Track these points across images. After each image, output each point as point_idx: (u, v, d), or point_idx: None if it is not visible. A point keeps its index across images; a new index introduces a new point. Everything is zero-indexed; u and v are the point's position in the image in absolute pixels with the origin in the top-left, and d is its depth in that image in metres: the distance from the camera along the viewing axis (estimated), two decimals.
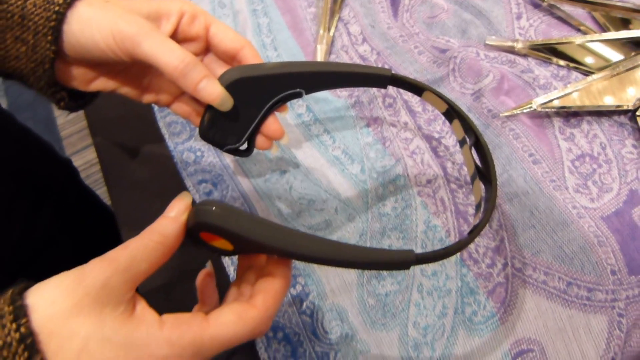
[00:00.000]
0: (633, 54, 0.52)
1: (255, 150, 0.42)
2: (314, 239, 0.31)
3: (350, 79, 0.41)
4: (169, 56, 0.34)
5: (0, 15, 0.35)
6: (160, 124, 0.57)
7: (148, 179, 0.55)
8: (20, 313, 0.25)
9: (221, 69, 0.40)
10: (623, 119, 0.51)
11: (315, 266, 0.46)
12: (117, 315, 0.27)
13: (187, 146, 0.55)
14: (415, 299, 0.44)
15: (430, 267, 0.45)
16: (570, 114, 0.51)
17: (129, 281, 0.28)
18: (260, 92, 0.39)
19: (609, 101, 0.50)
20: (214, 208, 0.30)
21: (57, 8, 0.35)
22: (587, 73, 0.53)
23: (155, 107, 0.58)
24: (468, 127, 0.42)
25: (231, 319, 0.29)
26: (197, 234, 0.31)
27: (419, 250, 0.46)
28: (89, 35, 0.35)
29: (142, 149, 0.57)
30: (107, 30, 0.34)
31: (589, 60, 0.53)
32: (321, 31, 0.58)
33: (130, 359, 0.26)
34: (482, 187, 0.41)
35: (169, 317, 0.28)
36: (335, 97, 0.55)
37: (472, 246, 0.46)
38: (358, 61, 0.57)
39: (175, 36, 0.38)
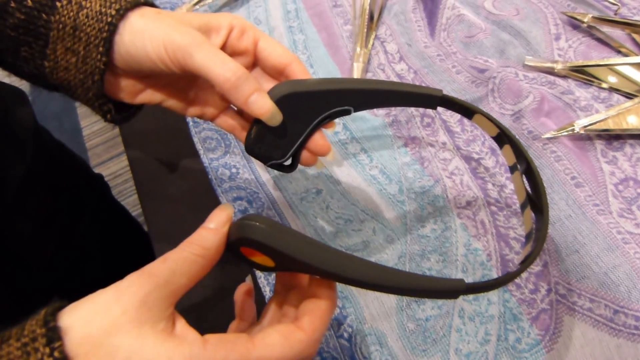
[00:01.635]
0: None
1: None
2: (361, 262, 0.30)
3: (400, 98, 0.40)
4: (221, 68, 0.34)
5: (53, 26, 0.35)
6: (195, 139, 0.57)
7: (182, 194, 0.55)
8: (54, 336, 0.24)
9: (268, 83, 0.40)
10: None
11: (353, 288, 0.45)
12: (157, 333, 0.26)
13: (222, 162, 0.55)
14: (456, 324, 0.43)
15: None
16: (613, 137, 0.50)
17: (168, 297, 0.27)
18: (308, 108, 0.38)
19: None
20: (259, 224, 0.29)
21: (110, 19, 0.34)
22: (628, 95, 0.52)
23: (190, 122, 0.59)
24: (520, 153, 0.40)
25: (278, 341, 0.28)
26: (237, 248, 0.30)
27: (459, 274, 0.45)
28: (140, 45, 0.35)
29: (176, 164, 0.57)
30: (159, 41, 0.34)
31: (630, 82, 0.52)
32: (358, 49, 0.58)
33: None
34: (533, 215, 0.39)
35: (212, 337, 0.27)
36: (372, 115, 0.55)
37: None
38: (395, 79, 0.57)
39: (224, 50, 0.37)
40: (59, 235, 0.63)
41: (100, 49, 0.35)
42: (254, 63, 0.40)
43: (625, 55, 0.55)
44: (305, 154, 0.41)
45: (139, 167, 0.58)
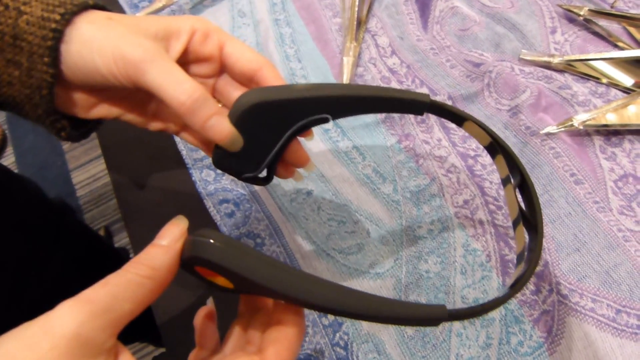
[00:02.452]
0: None
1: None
2: (329, 286, 0.27)
3: (383, 104, 0.36)
4: (175, 90, 0.30)
5: None
6: (177, 139, 0.55)
7: (164, 197, 0.52)
8: None
9: (237, 91, 0.36)
10: None
11: None
12: None
13: (206, 163, 0.52)
14: (456, 328, 0.41)
15: (471, 295, 0.42)
16: (611, 133, 0.49)
17: (108, 327, 0.23)
18: (281, 117, 0.34)
19: None
20: (212, 241, 0.25)
21: (54, 25, 0.30)
22: (626, 90, 0.51)
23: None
24: (513, 164, 0.37)
25: None
26: (192, 268, 0.27)
27: (458, 276, 0.43)
28: (89, 58, 0.31)
29: (158, 166, 0.55)
30: (109, 54, 0.30)
31: (626, 82, 0.51)
32: (348, 43, 0.56)
33: None
34: (526, 234, 0.36)
35: None
36: None
37: (514, 271, 0.43)
38: (387, 74, 0.55)
39: (186, 56, 0.34)
40: (14, 269, 0.59)
41: (46, 59, 0.31)
42: (221, 69, 0.36)
43: (622, 49, 0.53)
44: (281, 166, 0.38)
45: (118, 170, 0.55)
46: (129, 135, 0.56)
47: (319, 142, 0.52)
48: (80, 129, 0.36)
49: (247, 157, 0.35)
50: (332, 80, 0.56)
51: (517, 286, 0.31)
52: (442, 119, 0.51)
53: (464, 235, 0.45)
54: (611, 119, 0.48)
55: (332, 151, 0.51)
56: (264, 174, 0.37)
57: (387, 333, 0.41)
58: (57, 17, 0.30)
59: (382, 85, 0.54)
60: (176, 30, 0.33)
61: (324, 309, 0.27)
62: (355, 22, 0.57)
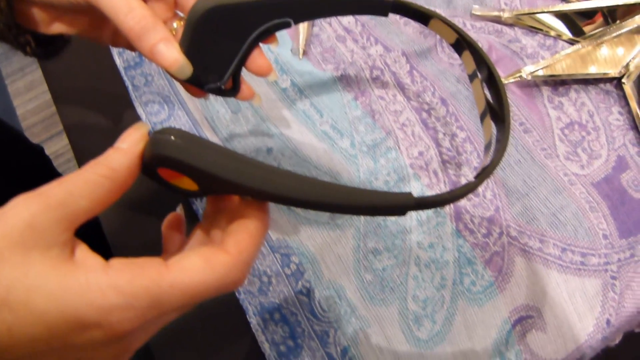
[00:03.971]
0: (618, 21, 0.52)
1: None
2: (297, 177, 0.25)
3: (347, 5, 0.35)
4: (125, 14, 0.30)
5: None
6: (136, 103, 0.54)
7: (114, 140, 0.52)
8: None
9: None
10: (609, 86, 0.51)
11: (309, 244, 0.45)
12: (47, 259, 0.22)
13: (166, 126, 0.53)
14: (413, 272, 0.43)
15: (426, 240, 0.44)
16: (558, 83, 0.51)
17: (63, 220, 0.23)
18: (241, 23, 0.33)
19: (595, 69, 0.50)
20: (173, 138, 0.24)
21: None
22: (573, 42, 0.53)
23: (130, 87, 0.56)
24: (480, 59, 0.36)
25: (197, 264, 0.24)
26: (154, 171, 0.26)
27: (414, 222, 0.45)
28: None
29: (118, 132, 0.54)
30: None
31: (568, 33, 0.53)
32: None
33: (65, 312, 0.21)
34: (493, 125, 0.36)
35: (117, 261, 0.23)
36: (320, 70, 0.53)
37: (467, 217, 0.45)
38: (342, 34, 0.56)
39: None
40: None
41: None
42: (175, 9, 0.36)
43: (568, 1, 0.55)
44: (243, 86, 0.37)
45: (78, 140, 0.55)
46: (88, 107, 0.56)
47: (277, 101, 0.52)
48: (47, 47, 0.36)
49: (209, 67, 0.34)
50: (287, 40, 0.56)
51: (483, 173, 0.31)
52: (397, 75, 0.52)
53: (419, 185, 0.47)
54: (558, 69, 0.50)
55: (290, 110, 0.52)
56: (229, 85, 0.37)
57: (347, 279, 0.43)
58: None
59: (338, 44, 0.55)
60: None
61: (291, 201, 0.26)
62: None
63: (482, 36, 0.53)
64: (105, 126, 0.55)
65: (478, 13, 0.55)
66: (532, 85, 0.51)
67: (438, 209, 0.46)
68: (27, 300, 0.21)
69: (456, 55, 0.53)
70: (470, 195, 0.46)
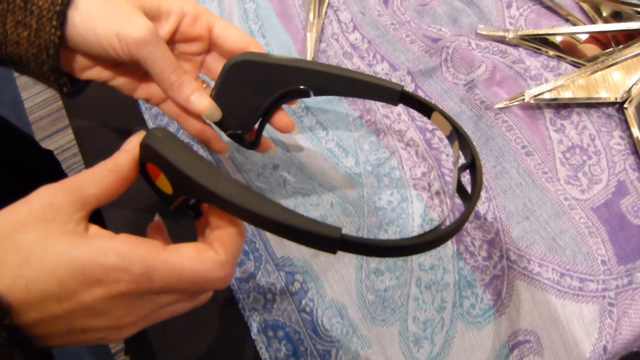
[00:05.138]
0: (621, 46, 0.52)
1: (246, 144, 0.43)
2: (251, 195, 0.28)
3: (360, 87, 0.39)
4: (166, 70, 0.36)
5: None
6: (146, 115, 0.55)
7: None
8: None
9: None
10: (611, 110, 0.52)
11: (312, 262, 0.45)
12: (63, 230, 0.26)
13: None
14: (414, 293, 0.44)
15: (427, 262, 0.45)
16: (561, 106, 0.52)
17: (76, 201, 0.27)
18: (266, 80, 0.39)
19: (598, 93, 0.51)
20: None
21: None
22: (576, 64, 0.53)
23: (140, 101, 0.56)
24: (468, 150, 0.38)
25: (190, 252, 0.28)
26: (144, 167, 0.31)
27: None
28: (92, 31, 0.35)
29: (123, 130, 0.55)
30: (112, 31, 0.34)
31: (577, 52, 0.54)
32: (311, 18, 0.57)
33: (73, 269, 0.25)
34: (460, 202, 0.38)
35: (123, 234, 0.27)
36: None
37: (468, 239, 0.46)
38: (349, 50, 0.56)
39: (175, 36, 0.39)
40: None
41: (54, 22, 0.34)
42: (210, 48, 0.41)
43: (573, 23, 0.56)
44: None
45: (87, 143, 0.56)
46: (98, 113, 0.56)
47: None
48: (74, 85, 0.40)
49: (234, 113, 0.40)
50: (295, 55, 0.57)
51: (432, 232, 0.32)
52: None
53: (422, 205, 0.48)
54: (560, 92, 0.50)
55: (297, 127, 0.52)
56: (250, 137, 0.42)
57: (349, 299, 0.44)
58: None
59: (344, 60, 0.56)
60: (166, 11, 0.38)
61: (234, 209, 0.29)
62: None
63: (487, 56, 0.54)
64: (111, 123, 0.56)
65: (483, 32, 0.55)
66: (534, 107, 0.51)
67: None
68: (44, 259, 0.25)
69: (461, 75, 0.53)
70: (472, 217, 0.47)
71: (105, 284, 0.26)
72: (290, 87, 0.39)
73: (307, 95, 0.40)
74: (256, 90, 0.39)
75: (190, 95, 0.38)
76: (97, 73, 0.39)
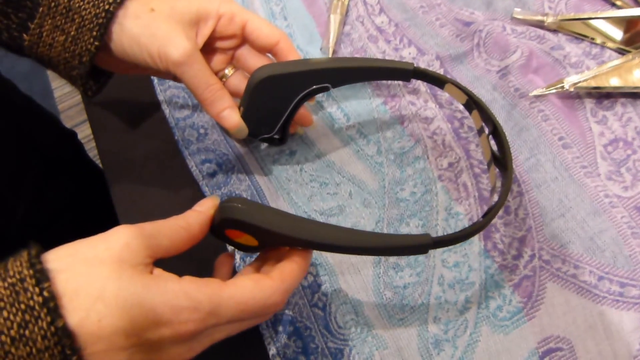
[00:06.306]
0: None
1: None
2: (334, 228, 0.32)
3: (375, 73, 0.43)
4: (203, 89, 0.39)
5: (43, 2, 0.36)
6: (161, 97, 0.53)
7: (147, 157, 0.51)
8: (42, 277, 0.25)
9: (255, 59, 0.44)
10: None
11: (328, 255, 0.43)
12: (135, 271, 0.27)
13: (189, 122, 0.51)
14: (435, 292, 0.41)
15: (452, 258, 0.42)
16: (603, 96, 0.47)
17: (150, 247, 0.29)
18: (289, 88, 0.42)
19: None
20: (239, 205, 0.31)
21: (107, 7, 0.36)
22: (621, 51, 0.49)
23: (155, 79, 0.54)
24: (487, 116, 0.42)
25: (248, 284, 0.30)
26: (223, 232, 0.33)
27: None
28: (135, 50, 0.37)
29: (141, 125, 0.53)
30: (155, 50, 0.37)
31: (617, 37, 0.49)
32: (335, 0, 0.54)
33: (146, 309, 0.26)
34: (498, 172, 0.41)
35: (187, 276, 0.29)
36: None
37: (497, 236, 0.43)
38: (374, 33, 0.53)
39: (213, 36, 0.41)
40: (31, 194, 0.59)
41: (94, 33, 0.36)
42: (242, 42, 0.43)
43: (620, 7, 0.51)
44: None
45: (101, 129, 0.54)
46: (113, 95, 0.55)
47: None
48: (99, 81, 0.42)
49: (262, 121, 0.43)
50: (317, 38, 0.54)
51: (490, 214, 0.36)
52: None
53: (447, 198, 0.44)
54: (604, 81, 0.46)
55: (315, 112, 0.50)
56: (278, 135, 0.45)
57: (365, 295, 0.41)
58: (110, 0, 0.36)
59: (369, 44, 0.53)
60: (205, 15, 0.40)
61: (329, 247, 0.32)
62: None
63: (523, 42, 0.50)
64: (126, 114, 0.54)
65: (520, 17, 0.51)
66: (574, 97, 0.47)
67: (466, 225, 0.43)
68: (118, 297, 0.26)
69: (494, 61, 0.50)
70: (501, 213, 0.44)
71: (175, 325, 0.27)
72: (310, 87, 0.42)
73: (327, 90, 0.43)
74: (280, 98, 0.42)
75: (222, 112, 0.41)
76: (140, 71, 0.42)
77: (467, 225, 0.43)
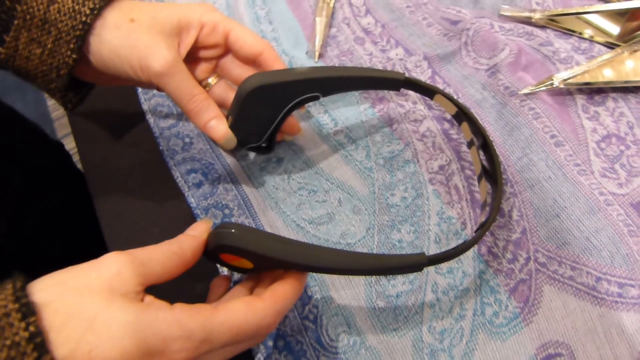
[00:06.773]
0: None
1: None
2: (329, 251, 0.32)
3: (365, 82, 0.43)
4: (186, 99, 0.38)
5: (18, 15, 0.35)
6: (145, 106, 0.52)
7: (131, 167, 0.50)
8: (28, 311, 0.25)
9: (239, 69, 0.43)
10: None
11: None
12: (126, 300, 0.27)
13: (174, 132, 0.50)
14: (429, 299, 0.40)
15: (445, 265, 0.41)
16: (594, 91, 0.46)
17: (141, 275, 0.28)
18: (279, 97, 0.41)
19: (637, 76, 0.45)
20: (233, 231, 0.31)
21: (84, 19, 0.35)
22: (611, 45, 0.48)
23: (139, 88, 0.53)
24: (476, 128, 0.42)
25: (240, 307, 0.29)
26: (217, 256, 0.33)
27: (432, 245, 0.42)
28: (116, 62, 0.37)
29: (125, 135, 0.52)
30: (136, 62, 0.36)
31: (613, 31, 0.48)
32: (320, 2, 0.53)
33: (138, 339, 0.26)
34: (488, 186, 0.41)
35: (178, 303, 0.29)
36: None
37: (490, 239, 0.41)
38: (361, 35, 0.52)
39: (195, 45, 0.40)
40: (14, 207, 0.58)
41: (72, 45, 0.35)
42: (226, 52, 0.42)
43: (607, 1, 0.50)
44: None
45: (84, 139, 0.53)
46: (96, 105, 0.53)
47: None
48: (81, 90, 0.42)
49: (251, 131, 0.42)
50: (303, 42, 0.53)
51: (482, 229, 0.37)
52: None
53: (439, 202, 0.43)
54: (594, 76, 0.45)
55: (302, 117, 0.49)
56: (265, 143, 0.44)
57: (357, 305, 0.40)
58: (87, 11, 0.35)
59: (356, 46, 0.52)
60: (187, 25, 0.39)
61: (325, 270, 0.33)
62: None
63: (511, 39, 0.49)
64: (110, 122, 0.53)
65: (507, 14, 0.50)
66: (564, 93, 0.46)
67: (458, 229, 0.42)
68: (109, 327, 0.25)
69: (483, 60, 0.49)
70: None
71: (167, 355, 0.27)
72: (301, 97, 0.41)
73: (317, 99, 0.42)
74: (269, 107, 0.41)
75: (208, 123, 0.39)
76: (119, 83, 0.42)
77: (459, 230, 0.42)
